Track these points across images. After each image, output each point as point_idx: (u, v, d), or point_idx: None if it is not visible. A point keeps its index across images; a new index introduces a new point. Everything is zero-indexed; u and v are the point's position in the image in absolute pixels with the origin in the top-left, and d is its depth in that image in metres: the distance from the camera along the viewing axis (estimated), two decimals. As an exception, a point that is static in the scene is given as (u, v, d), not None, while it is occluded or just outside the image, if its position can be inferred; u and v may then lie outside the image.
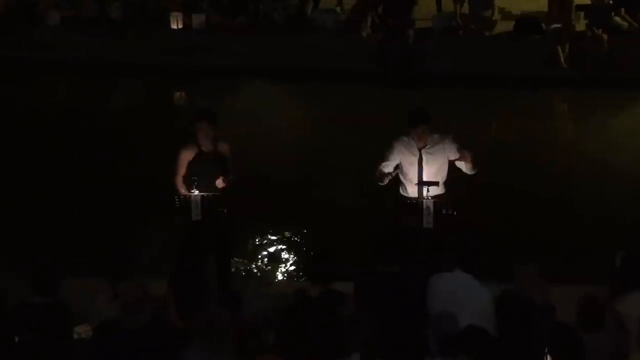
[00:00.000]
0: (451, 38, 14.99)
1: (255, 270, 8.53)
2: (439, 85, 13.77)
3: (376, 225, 7.81)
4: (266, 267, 8.61)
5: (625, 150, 11.42)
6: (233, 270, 7.89)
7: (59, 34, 15.40)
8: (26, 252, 7.80)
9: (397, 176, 7.20)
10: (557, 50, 14.18)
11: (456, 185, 7.23)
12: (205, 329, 5.05)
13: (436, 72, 14.14)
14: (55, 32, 15.47)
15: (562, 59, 14.20)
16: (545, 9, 15.20)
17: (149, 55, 14.77)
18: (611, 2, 14.80)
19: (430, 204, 6.75)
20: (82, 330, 5.89)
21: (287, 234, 9.16)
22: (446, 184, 7.15)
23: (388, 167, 7.11)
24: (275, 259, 8.74)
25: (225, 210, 7.04)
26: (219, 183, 7.01)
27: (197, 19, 15.38)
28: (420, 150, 7.08)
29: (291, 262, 8.69)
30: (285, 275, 8.49)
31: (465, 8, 15.22)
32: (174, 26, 15.33)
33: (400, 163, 7.16)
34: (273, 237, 9.09)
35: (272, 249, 8.91)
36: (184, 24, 15.36)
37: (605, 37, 14.12)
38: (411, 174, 7.10)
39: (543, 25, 14.97)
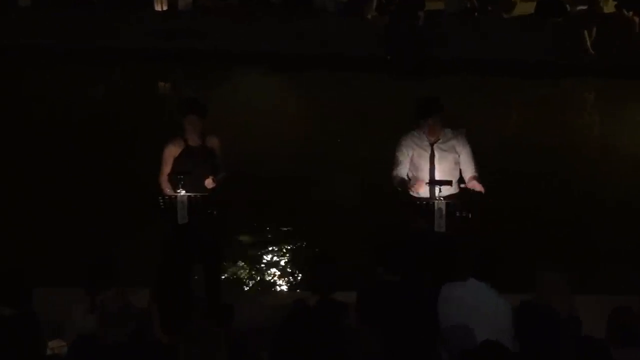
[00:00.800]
0: (465, 21, 15.01)
1: (249, 279, 8.53)
2: (451, 73, 13.78)
3: (382, 228, 7.81)
4: (261, 275, 8.62)
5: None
6: (224, 278, 7.89)
7: (31, 16, 15.42)
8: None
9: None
10: (582, 34, 14.18)
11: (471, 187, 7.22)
12: (192, 345, 5.04)
13: (448, 59, 14.15)
14: (26, 14, 15.49)
15: (588, 44, 14.20)
16: (570, -11, 15.25)
17: (130, 39, 14.78)
18: (643, -19, 14.83)
19: (443, 205, 6.75)
20: (55, 346, 5.88)
21: (284, 238, 9.16)
22: (460, 183, 7.14)
23: (404, 170, 7.10)
24: (271, 266, 8.74)
25: (215, 212, 7.04)
26: (209, 183, 7.00)
27: (184, 0, 15.39)
28: (432, 145, 7.07)
29: (289, 269, 8.69)
30: (283, 284, 8.50)
31: (482, -13, 15.27)
32: (158, 8, 15.35)
33: (411, 160, 7.15)
34: (268, 242, 9.10)
35: (267, 255, 8.91)
36: (168, 5, 15.37)
37: (636, 20, 14.12)
38: (422, 171, 7.09)
39: (567, 7, 14.98)
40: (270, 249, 9.00)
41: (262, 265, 8.76)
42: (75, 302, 5.99)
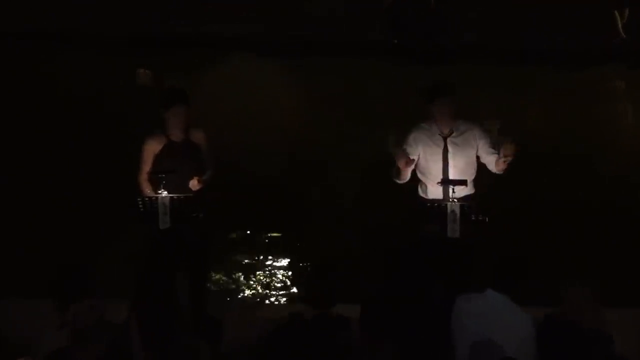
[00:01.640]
0: (483, 1, 15.00)
1: (239, 290, 8.54)
2: (467, 60, 13.76)
3: (388, 234, 7.81)
4: (252, 285, 8.62)
5: None
6: (211, 289, 7.89)
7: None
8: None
9: (414, 173, 7.18)
10: (614, 15, 14.19)
11: (489, 184, 7.23)
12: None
13: (464, 44, 14.14)
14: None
15: (619, 27, 14.21)
16: (600, -36, 15.24)
17: (102, 22, 14.78)
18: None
19: (457, 207, 6.74)
20: (23, 365, 5.89)
21: (278, 243, 9.17)
22: (476, 182, 7.14)
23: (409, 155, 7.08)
24: (264, 275, 8.75)
25: (201, 215, 7.04)
26: (194, 184, 7.01)
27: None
28: (445, 139, 7.06)
29: (283, 278, 8.69)
30: (277, 295, 8.50)
31: (501, -37, 15.26)
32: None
33: (421, 156, 7.14)
34: (261, 248, 9.11)
35: (259, 263, 8.92)
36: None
37: (674, -1, 14.13)
38: (433, 169, 7.09)
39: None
40: (262, 256, 9.02)
41: (254, 275, 8.77)
42: (44, 316, 5.99)
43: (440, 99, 6.96)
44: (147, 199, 6.96)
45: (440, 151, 7.06)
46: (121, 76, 14.07)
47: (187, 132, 7.15)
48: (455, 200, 6.80)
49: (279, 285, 8.64)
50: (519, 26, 14.21)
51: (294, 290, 8.52)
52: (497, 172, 7.05)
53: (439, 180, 6.99)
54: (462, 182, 6.90)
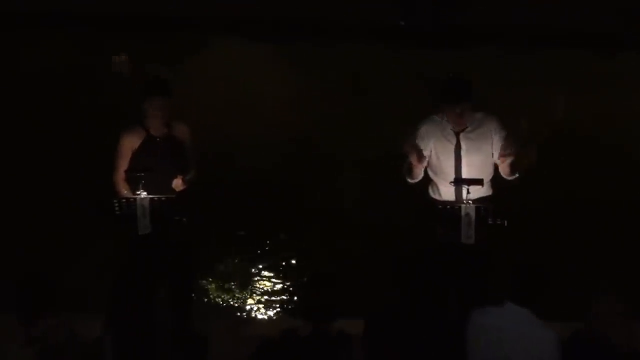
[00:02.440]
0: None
1: (228, 303, 8.54)
2: (481, 43, 13.79)
3: (395, 239, 7.81)
4: (242, 298, 8.62)
5: None
6: (196, 303, 7.88)
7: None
8: None
9: (426, 171, 7.18)
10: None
11: (508, 184, 7.21)
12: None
13: (478, 26, 14.16)
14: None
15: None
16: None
17: (79, 2, 14.80)
18: None
19: (472, 210, 6.74)
20: (-16, 387, 5.88)
21: (271, 251, 9.17)
22: (494, 182, 7.13)
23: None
24: (255, 287, 8.75)
25: (185, 219, 7.03)
26: (177, 184, 7.00)
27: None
28: (457, 134, 7.06)
29: (277, 291, 8.70)
30: (269, 309, 8.50)
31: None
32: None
33: (431, 152, 7.14)
34: (252, 257, 9.11)
35: (250, 274, 8.92)
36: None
37: None
38: (445, 167, 7.08)
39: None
40: (253, 265, 9.02)
41: (244, 286, 8.77)
42: (7, 332, 5.98)
43: (459, 103, 6.94)
44: (124, 200, 6.94)
45: (452, 147, 7.05)
46: (95, 62, 14.10)
47: (169, 126, 7.14)
48: (469, 202, 6.79)
49: (271, 297, 8.64)
50: (541, 5, 14.24)
51: (289, 303, 8.52)
52: (509, 176, 7.03)
53: (452, 180, 6.98)
54: (478, 182, 6.88)
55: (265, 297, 8.64)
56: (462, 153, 7.03)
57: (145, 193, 6.88)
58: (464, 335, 5.74)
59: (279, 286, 8.76)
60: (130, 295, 6.68)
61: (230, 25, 14.59)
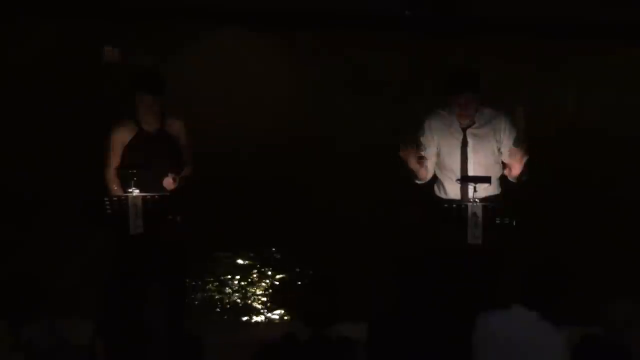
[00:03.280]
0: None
1: (224, 307, 8.55)
2: (492, 35, 13.78)
3: (399, 240, 7.83)
4: (239, 301, 8.64)
5: None
6: (190, 306, 7.91)
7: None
8: None
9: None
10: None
11: (516, 183, 7.24)
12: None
13: (490, 18, 14.16)
14: None
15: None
16: None
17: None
18: None
19: (479, 209, 6.76)
20: (-30, 394, 5.91)
21: (269, 252, 9.19)
22: (502, 180, 7.16)
23: (426, 152, 7.10)
24: (253, 290, 8.76)
25: (179, 218, 7.06)
26: (168, 183, 7.01)
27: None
28: (464, 130, 7.09)
29: (275, 294, 8.72)
30: (268, 313, 8.52)
31: None
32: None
33: (437, 149, 7.17)
34: (249, 258, 9.12)
35: (247, 275, 8.93)
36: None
37: None
38: (451, 164, 7.11)
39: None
40: (251, 267, 9.03)
41: (241, 289, 8.78)
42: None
43: (464, 93, 6.97)
44: (115, 198, 6.97)
45: (458, 144, 7.07)
46: (85, 53, 14.09)
47: (162, 121, 7.16)
48: (477, 201, 6.81)
49: (270, 300, 8.66)
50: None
51: (289, 306, 8.53)
52: (515, 179, 7.07)
53: (458, 178, 7.01)
54: (485, 180, 6.91)
55: (264, 300, 8.66)
56: (469, 150, 7.05)
57: (137, 191, 6.90)
58: (471, 340, 5.77)
59: (277, 289, 8.78)
60: (121, 297, 6.72)
61: (229, 16, 14.59)
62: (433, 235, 6.97)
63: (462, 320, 5.87)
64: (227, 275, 8.93)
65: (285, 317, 8.42)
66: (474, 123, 7.09)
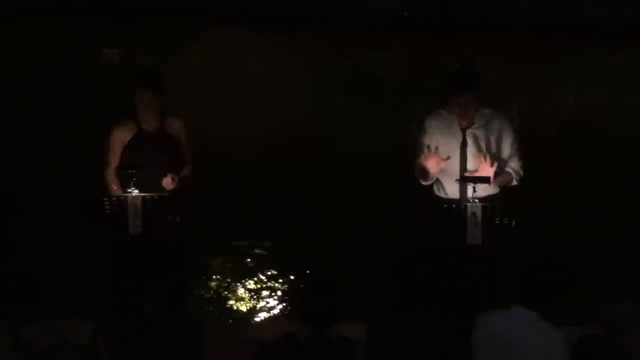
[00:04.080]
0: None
1: (223, 307, 8.56)
2: (491, 34, 13.77)
3: (398, 239, 7.83)
4: (239, 301, 8.64)
5: None
6: (191, 306, 7.91)
7: None
8: None
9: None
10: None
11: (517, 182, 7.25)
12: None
13: (488, 17, 14.14)
14: None
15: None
16: None
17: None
18: None
19: (478, 209, 6.77)
20: (-31, 394, 5.92)
21: (269, 252, 9.19)
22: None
23: (428, 152, 7.11)
24: (252, 290, 8.77)
25: (178, 219, 7.06)
26: (167, 183, 7.01)
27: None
28: (463, 130, 7.09)
29: (275, 293, 8.72)
30: (268, 313, 8.53)
31: None
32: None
33: (437, 148, 7.17)
34: (249, 257, 9.12)
35: (246, 275, 8.94)
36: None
37: None
38: (451, 164, 7.11)
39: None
40: (250, 266, 9.03)
41: (241, 289, 8.79)
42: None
43: (465, 93, 6.97)
44: (114, 198, 6.97)
45: (458, 144, 7.07)
46: (85, 53, 14.09)
47: (162, 120, 7.16)
48: (476, 200, 6.82)
49: (269, 300, 8.67)
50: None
51: (288, 306, 8.54)
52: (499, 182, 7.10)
53: (457, 178, 7.02)
54: (484, 180, 6.91)
55: (263, 300, 8.66)
56: (468, 150, 7.07)
57: (136, 191, 6.91)
58: (470, 340, 5.78)
59: (277, 288, 8.78)
60: (120, 297, 6.72)
61: (228, 15, 14.58)
62: (432, 235, 6.99)
63: (462, 320, 5.88)
64: (227, 274, 8.93)
65: (285, 317, 8.43)
66: (473, 123, 7.10)
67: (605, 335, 5.70)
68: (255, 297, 8.70)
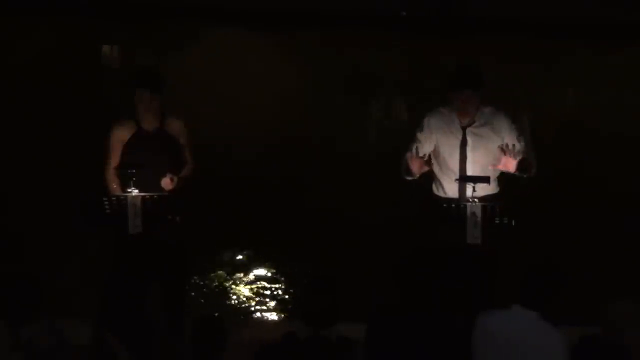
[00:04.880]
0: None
1: (223, 307, 8.56)
2: (491, 34, 13.76)
3: (398, 239, 7.83)
4: (239, 301, 8.64)
5: None
6: (191, 306, 7.91)
7: None
8: None
9: (429, 167, 7.20)
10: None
11: (517, 182, 7.25)
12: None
13: (488, 17, 14.13)
14: None
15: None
16: None
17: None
18: None
19: (478, 209, 6.77)
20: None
21: (269, 252, 9.18)
22: (502, 179, 7.16)
23: (420, 149, 7.11)
24: (252, 290, 8.76)
25: (178, 218, 7.06)
26: (166, 183, 7.01)
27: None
28: (464, 129, 7.09)
29: (275, 293, 8.71)
30: (268, 313, 8.52)
31: None
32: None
33: (436, 147, 7.17)
34: (249, 257, 9.11)
35: (246, 275, 8.93)
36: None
37: None
38: (450, 163, 7.12)
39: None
40: (250, 266, 9.02)
41: (240, 289, 8.78)
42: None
43: (465, 90, 6.97)
44: (114, 198, 6.98)
45: (458, 143, 7.07)
46: (85, 53, 14.08)
47: (162, 120, 7.17)
48: (476, 200, 6.82)
49: (270, 300, 8.66)
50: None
51: (288, 306, 8.53)
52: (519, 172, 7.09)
53: (457, 177, 7.01)
54: (484, 180, 6.91)
55: (263, 300, 8.66)
56: (468, 149, 7.06)
57: (136, 191, 6.91)
58: (470, 340, 5.78)
59: (277, 289, 8.77)
60: (120, 297, 6.72)
61: (228, 15, 14.57)
62: (432, 235, 6.99)
63: (462, 320, 5.88)
64: (226, 274, 8.92)
65: (285, 317, 8.43)
66: (474, 122, 7.10)
67: (605, 335, 5.69)
68: (255, 297, 8.70)
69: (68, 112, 11.35)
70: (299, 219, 9.51)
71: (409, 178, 7.13)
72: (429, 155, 7.19)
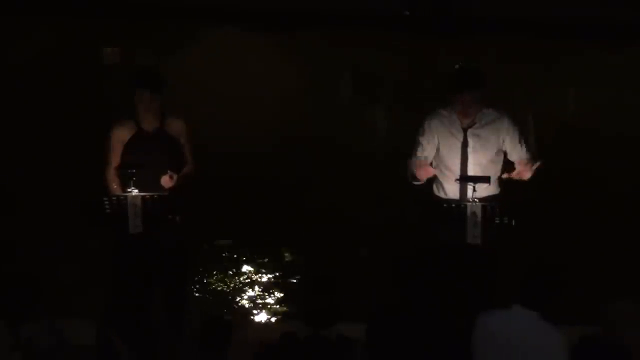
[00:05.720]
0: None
1: (223, 306, 8.55)
2: (491, 34, 13.76)
3: (398, 239, 7.82)
4: (239, 301, 8.63)
5: None
6: (191, 306, 7.90)
7: None
8: None
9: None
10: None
11: (517, 182, 7.24)
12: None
13: (489, 16, 14.14)
14: None
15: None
16: None
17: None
18: None
19: (478, 209, 6.76)
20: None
21: (269, 252, 9.18)
22: (502, 180, 7.16)
23: (424, 152, 7.11)
24: (253, 290, 8.76)
25: (178, 218, 7.06)
26: (166, 181, 7.00)
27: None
28: (465, 130, 7.09)
29: (275, 293, 8.71)
30: (268, 313, 8.52)
31: None
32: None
33: (437, 148, 7.17)
34: (249, 258, 9.11)
35: (247, 275, 8.93)
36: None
37: None
38: (451, 164, 7.10)
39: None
40: (250, 267, 9.02)
41: (241, 289, 8.78)
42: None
43: (466, 91, 6.96)
44: (114, 198, 6.97)
45: (459, 144, 7.06)
46: (84, 53, 14.08)
47: (162, 120, 7.16)
48: (476, 200, 6.81)
49: (269, 299, 8.66)
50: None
51: (288, 306, 8.53)
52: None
53: (457, 177, 7.01)
54: (484, 180, 6.90)
55: (263, 300, 8.66)
56: (469, 150, 7.05)
57: (136, 190, 6.90)
58: (470, 340, 5.78)
59: (277, 288, 8.77)
60: (121, 296, 6.71)
61: (228, 15, 14.57)
62: (432, 235, 6.98)
63: (462, 320, 5.88)
64: (227, 274, 8.92)
65: (285, 317, 8.42)
66: (475, 123, 7.09)
67: (605, 335, 5.69)
68: (255, 297, 8.70)
69: (68, 112, 11.37)
70: (299, 219, 9.51)
71: (416, 183, 7.13)
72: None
